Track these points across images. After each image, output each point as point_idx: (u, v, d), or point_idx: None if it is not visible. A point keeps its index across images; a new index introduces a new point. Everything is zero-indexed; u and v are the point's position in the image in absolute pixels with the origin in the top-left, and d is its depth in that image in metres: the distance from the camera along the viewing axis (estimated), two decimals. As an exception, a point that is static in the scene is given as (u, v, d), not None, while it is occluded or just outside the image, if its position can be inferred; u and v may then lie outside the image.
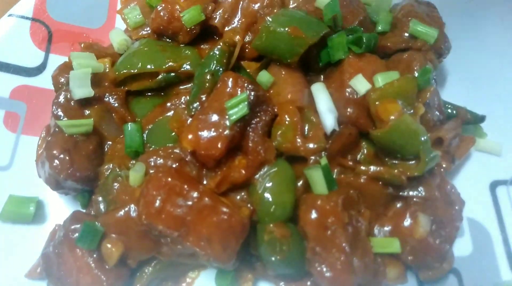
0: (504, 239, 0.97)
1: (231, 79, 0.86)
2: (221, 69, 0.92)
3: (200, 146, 0.83)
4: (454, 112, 1.03)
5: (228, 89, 0.86)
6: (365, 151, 0.93)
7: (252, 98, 0.85)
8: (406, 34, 1.02)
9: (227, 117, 0.83)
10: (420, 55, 0.98)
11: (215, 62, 0.92)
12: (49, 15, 1.13)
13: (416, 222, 0.86)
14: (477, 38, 1.16)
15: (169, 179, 0.80)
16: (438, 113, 0.97)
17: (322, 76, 1.01)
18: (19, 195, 0.96)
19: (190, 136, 0.83)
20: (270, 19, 0.92)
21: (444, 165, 0.93)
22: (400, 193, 0.89)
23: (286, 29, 0.90)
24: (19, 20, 1.10)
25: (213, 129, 0.83)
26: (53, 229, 0.93)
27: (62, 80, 1.01)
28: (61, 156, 0.87)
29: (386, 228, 0.88)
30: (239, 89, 0.85)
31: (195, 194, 0.79)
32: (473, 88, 1.12)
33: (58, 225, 0.92)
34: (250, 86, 0.86)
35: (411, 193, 0.89)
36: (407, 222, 0.86)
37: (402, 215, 0.88)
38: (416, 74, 0.95)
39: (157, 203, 0.79)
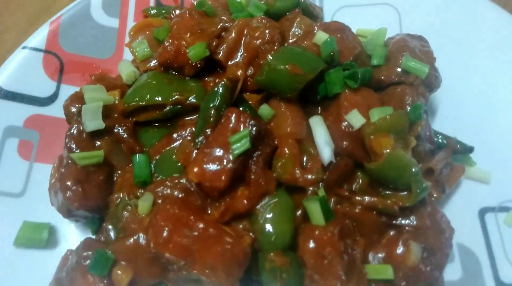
0: (492, 264, 1.02)
1: (234, 115, 0.92)
2: (224, 104, 0.98)
3: (205, 178, 0.88)
4: (445, 142, 1.09)
5: (231, 125, 0.91)
6: (360, 181, 0.98)
7: (253, 133, 0.91)
8: (399, 69, 1.08)
9: (230, 151, 0.89)
10: (412, 89, 1.04)
11: (219, 97, 0.98)
12: (61, 47, 1.19)
13: (408, 250, 0.91)
14: (467, 69, 1.22)
15: (176, 210, 0.85)
16: (429, 144, 1.03)
17: (319, 108, 1.06)
18: (32, 221, 1.01)
19: (195, 169, 0.89)
20: (271, 57, 0.98)
21: (435, 195, 0.98)
22: (393, 222, 0.94)
23: (286, 66, 0.96)
24: (32, 52, 1.16)
25: (217, 163, 0.89)
26: (64, 254, 0.97)
27: (73, 109, 1.07)
28: (74, 187, 0.92)
29: (379, 255, 0.93)
30: (242, 125, 0.91)
31: (201, 225, 0.85)
32: (462, 117, 1.17)
33: (70, 251, 0.97)
34: (252, 121, 0.91)
35: (403, 222, 0.94)
36: (399, 249, 0.92)
37: (395, 243, 0.93)
38: (408, 108, 1.01)
39: (165, 233, 0.84)
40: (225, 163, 0.88)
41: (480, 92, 1.19)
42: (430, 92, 1.10)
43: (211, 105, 0.98)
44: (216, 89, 0.99)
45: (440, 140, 1.09)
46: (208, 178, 0.88)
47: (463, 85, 1.20)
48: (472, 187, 1.10)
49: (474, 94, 1.19)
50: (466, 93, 1.19)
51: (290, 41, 1.13)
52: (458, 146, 1.08)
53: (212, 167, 0.88)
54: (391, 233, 0.95)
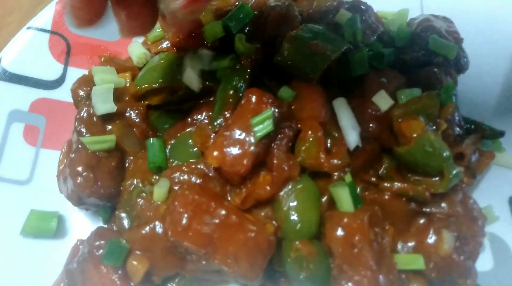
0: (525, 254, 0.97)
1: (255, 96, 0.86)
2: (243, 84, 0.92)
3: (226, 162, 0.83)
4: (473, 127, 1.04)
5: (252, 106, 0.86)
6: (387, 167, 0.93)
7: (276, 115, 0.85)
8: (425, 50, 1.03)
9: (252, 133, 0.84)
10: (441, 70, 0.99)
11: (237, 77, 0.93)
12: (67, 28, 1.13)
13: (440, 238, 0.86)
14: (493, 52, 1.16)
15: (196, 196, 0.80)
16: (458, 129, 0.98)
17: (342, 90, 1.01)
18: (40, 210, 0.96)
19: (215, 153, 0.84)
20: (292, 35, 0.92)
21: (465, 181, 0.93)
22: (423, 209, 0.89)
23: (309, 45, 0.90)
24: (37, 33, 1.10)
25: (238, 146, 0.83)
26: (75, 244, 0.92)
27: (82, 93, 1.01)
28: (85, 173, 0.87)
29: (409, 244, 0.88)
30: (264, 106, 0.85)
31: (222, 212, 0.80)
32: (489, 102, 1.12)
33: (80, 240, 0.91)
34: (274, 102, 0.86)
35: (433, 209, 0.89)
36: (431, 238, 0.87)
37: (425, 231, 0.88)
38: (437, 90, 0.96)
39: (184, 220, 0.79)
40: (247, 146, 0.83)
41: (507, 74, 1.13)
42: (458, 73, 1.04)
43: (229, 86, 0.92)
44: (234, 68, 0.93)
45: (468, 126, 1.04)
46: (229, 163, 0.83)
47: (489, 67, 1.15)
48: (501, 174, 1.04)
49: (500, 77, 1.14)
50: (492, 76, 1.14)
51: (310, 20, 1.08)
52: (488, 130, 1.02)
53: (233, 150, 0.83)
54: (421, 221, 0.90)
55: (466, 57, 1.05)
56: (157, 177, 0.92)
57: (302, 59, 0.92)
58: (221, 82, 0.94)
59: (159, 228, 0.83)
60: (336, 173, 0.88)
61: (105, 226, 0.94)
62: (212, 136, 0.90)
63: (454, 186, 0.90)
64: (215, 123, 0.90)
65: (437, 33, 1.04)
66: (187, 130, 0.96)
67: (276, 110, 0.86)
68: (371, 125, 0.91)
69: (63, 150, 1.00)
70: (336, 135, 0.91)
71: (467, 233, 0.88)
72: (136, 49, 1.09)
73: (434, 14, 1.13)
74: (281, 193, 0.86)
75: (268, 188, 0.85)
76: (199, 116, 0.97)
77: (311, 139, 0.89)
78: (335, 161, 0.87)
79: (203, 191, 0.82)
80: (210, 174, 0.88)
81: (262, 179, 0.85)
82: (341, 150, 0.89)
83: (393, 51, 0.99)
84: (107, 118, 0.94)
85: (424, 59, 1.02)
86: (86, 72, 1.06)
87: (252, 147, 0.83)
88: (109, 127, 0.95)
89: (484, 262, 0.95)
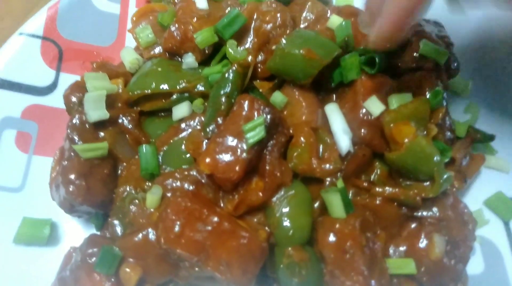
0: (515, 256, 0.98)
1: (247, 102, 0.87)
2: (236, 91, 0.93)
3: (218, 169, 0.83)
4: (463, 130, 1.05)
5: (244, 112, 0.86)
6: (379, 172, 0.93)
7: (268, 121, 0.86)
8: (416, 54, 1.03)
9: (244, 140, 0.84)
10: (432, 75, 0.99)
11: (230, 84, 0.93)
12: (59, 34, 1.13)
13: (432, 242, 0.87)
14: (483, 56, 1.18)
15: (189, 203, 0.80)
16: (449, 133, 0.99)
17: (334, 95, 1.02)
18: (32, 217, 0.96)
19: (207, 160, 0.84)
20: (284, 41, 0.92)
21: (456, 185, 0.94)
22: (414, 214, 0.90)
23: (300, 51, 0.91)
24: (29, 38, 1.10)
25: (230, 153, 0.84)
26: (68, 251, 0.92)
27: (74, 99, 1.01)
28: (77, 181, 0.87)
29: (401, 249, 0.89)
30: (256, 112, 0.86)
31: (215, 219, 0.80)
32: (480, 105, 1.13)
33: (73, 248, 0.91)
34: (266, 109, 0.86)
35: (425, 213, 0.90)
36: (422, 243, 0.87)
37: (416, 235, 0.89)
38: (428, 95, 0.96)
39: (177, 228, 0.79)
40: (239, 153, 0.83)
41: (497, 77, 1.15)
42: (448, 78, 1.05)
43: (221, 93, 0.92)
44: (226, 75, 0.93)
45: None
46: (221, 169, 0.83)
47: (478, 71, 1.16)
48: (492, 177, 1.06)
49: (491, 80, 1.15)
50: (482, 79, 1.15)
51: (302, 26, 1.08)
52: (478, 134, 1.03)
53: (225, 157, 0.83)
54: (412, 225, 0.90)
55: (457, 61, 1.06)
56: (150, 184, 0.92)
57: (294, 65, 0.92)
58: (213, 88, 0.94)
59: (152, 235, 0.84)
60: (328, 179, 0.88)
61: (98, 233, 0.94)
62: (204, 142, 0.91)
63: (445, 190, 0.91)
64: (208, 130, 0.90)
65: (428, 38, 1.05)
66: (180, 136, 0.96)
67: (268, 117, 0.86)
68: (362, 130, 0.91)
69: (55, 157, 0.99)
70: (328, 140, 0.92)
71: (458, 237, 0.88)
72: (128, 54, 1.08)
73: (425, 18, 1.13)
74: (274, 199, 0.86)
75: (260, 194, 0.85)
76: (192, 122, 0.97)
77: (303, 144, 0.89)
78: (327, 166, 0.88)
79: (196, 198, 0.82)
80: (203, 181, 0.89)
81: (254, 186, 0.86)
82: (333, 156, 0.89)
83: (385, 56, 1.00)
84: (99, 125, 0.94)
85: (415, 64, 1.02)
86: (78, 78, 1.06)
87: (244, 154, 0.83)
88: (102, 134, 0.95)
89: (475, 266, 0.97)
